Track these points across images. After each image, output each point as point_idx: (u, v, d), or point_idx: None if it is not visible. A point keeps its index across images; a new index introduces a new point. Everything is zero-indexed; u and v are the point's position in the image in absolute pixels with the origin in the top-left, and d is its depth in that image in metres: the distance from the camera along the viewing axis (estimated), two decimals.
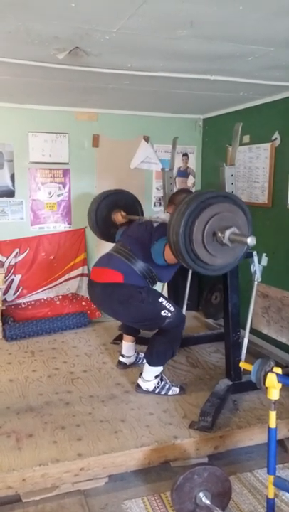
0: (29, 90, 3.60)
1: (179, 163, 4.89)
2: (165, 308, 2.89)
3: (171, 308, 2.91)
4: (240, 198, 2.55)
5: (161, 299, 2.93)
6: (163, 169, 3.96)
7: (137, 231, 3.13)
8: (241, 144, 4.08)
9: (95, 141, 4.54)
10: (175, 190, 4.13)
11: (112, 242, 3.64)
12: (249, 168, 4.14)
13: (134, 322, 3.16)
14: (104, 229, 3.78)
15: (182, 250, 2.34)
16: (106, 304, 3.08)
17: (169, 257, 2.67)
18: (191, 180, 5.03)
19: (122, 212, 3.65)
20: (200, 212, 2.30)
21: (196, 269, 2.45)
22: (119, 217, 3.64)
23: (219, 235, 2.29)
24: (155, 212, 4.87)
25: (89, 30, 2.17)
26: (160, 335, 2.99)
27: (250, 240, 2.24)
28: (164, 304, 2.91)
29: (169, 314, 2.89)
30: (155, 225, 3.02)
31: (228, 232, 2.28)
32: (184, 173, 4.99)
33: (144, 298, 2.88)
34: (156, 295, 2.97)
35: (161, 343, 2.96)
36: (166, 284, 4.07)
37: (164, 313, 2.88)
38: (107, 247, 3.45)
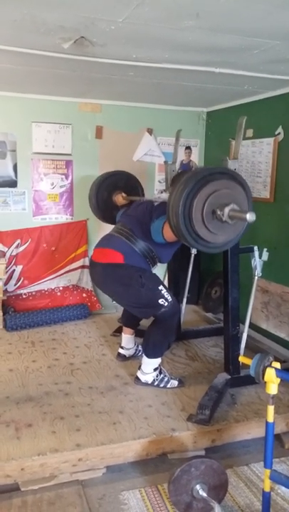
0: (33, 80, 3.58)
1: (181, 156, 4.87)
2: (163, 297, 2.90)
3: (169, 298, 2.91)
4: (238, 173, 2.50)
5: (160, 287, 2.93)
6: (166, 162, 3.94)
7: (137, 211, 3.10)
8: (244, 138, 4.07)
9: (99, 132, 4.52)
10: None
11: (114, 224, 3.61)
12: (252, 162, 4.12)
13: (130, 306, 3.13)
14: (106, 211, 3.74)
15: (183, 230, 2.32)
16: (106, 284, 3.07)
17: (168, 234, 2.66)
18: None
19: (123, 194, 3.62)
20: (198, 190, 2.26)
21: (198, 247, 2.43)
22: (120, 198, 3.61)
23: (218, 212, 2.26)
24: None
25: (95, 20, 2.16)
26: (155, 326, 2.99)
27: (250, 216, 2.19)
28: (162, 292, 2.91)
29: (166, 304, 2.89)
30: (156, 204, 3.00)
31: (227, 210, 2.25)
32: (187, 167, 4.97)
33: (144, 283, 2.87)
34: (157, 282, 2.96)
35: (155, 334, 2.97)
36: (166, 276, 4.08)
37: (161, 301, 2.88)
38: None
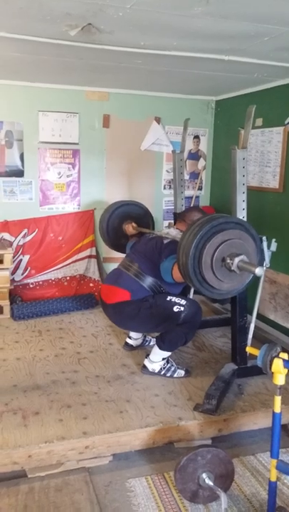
0: (40, 68, 3.55)
1: (190, 145, 4.83)
2: (176, 303, 2.88)
3: (182, 302, 2.89)
4: (251, 225, 2.55)
5: (168, 298, 2.92)
6: (174, 151, 3.92)
7: (146, 247, 3.11)
8: (254, 127, 4.02)
9: (106, 121, 4.50)
10: (185, 172, 4.07)
11: (121, 252, 3.68)
12: (261, 152, 4.08)
13: (151, 330, 3.17)
14: (115, 239, 3.81)
15: (190, 272, 2.37)
16: (119, 322, 3.16)
17: (177, 275, 2.66)
18: (201, 163, 4.97)
19: (134, 224, 3.67)
20: (212, 236, 2.32)
21: (202, 291, 2.48)
22: (130, 228, 3.66)
23: (228, 261, 2.33)
24: (165, 194, 4.84)
25: (102, 6, 2.13)
26: (178, 324, 2.94)
27: (258, 271, 2.27)
28: (173, 300, 2.90)
29: (182, 308, 2.87)
30: (165, 241, 3.00)
31: (237, 260, 2.32)
32: (195, 156, 4.94)
33: (151, 303, 2.90)
34: (163, 295, 2.96)
35: (175, 332, 2.92)
36: None
37: (176, 308, 2.87)
38: None
